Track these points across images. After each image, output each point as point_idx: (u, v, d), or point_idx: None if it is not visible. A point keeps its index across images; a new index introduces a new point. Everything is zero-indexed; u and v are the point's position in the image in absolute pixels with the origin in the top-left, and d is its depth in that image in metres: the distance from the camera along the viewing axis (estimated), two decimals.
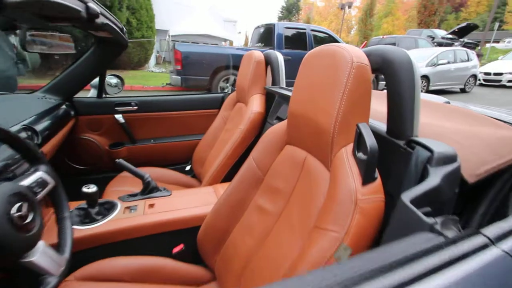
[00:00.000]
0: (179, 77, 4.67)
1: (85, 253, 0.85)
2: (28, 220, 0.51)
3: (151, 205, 0.98)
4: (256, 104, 1.24)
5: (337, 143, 0.57)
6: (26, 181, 0.58)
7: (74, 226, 0.85)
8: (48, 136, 1.06)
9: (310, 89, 0.66)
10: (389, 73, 0.59)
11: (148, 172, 1.41)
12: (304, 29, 5.67)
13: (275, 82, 1.33)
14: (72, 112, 1.36)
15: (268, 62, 1.34)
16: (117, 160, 1.00)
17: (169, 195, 1.05)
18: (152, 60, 11.13)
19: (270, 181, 0.81)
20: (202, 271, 0.89)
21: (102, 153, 1.51)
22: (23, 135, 0.89)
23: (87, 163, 1.50)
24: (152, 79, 7.20)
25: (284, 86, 1.32)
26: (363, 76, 0.55)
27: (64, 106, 1.30)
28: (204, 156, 1.49)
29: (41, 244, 0.55)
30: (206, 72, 4.73)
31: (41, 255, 0.54)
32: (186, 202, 1.01)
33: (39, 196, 0.60)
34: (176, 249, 0.92)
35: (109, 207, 0.96)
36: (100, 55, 1.28)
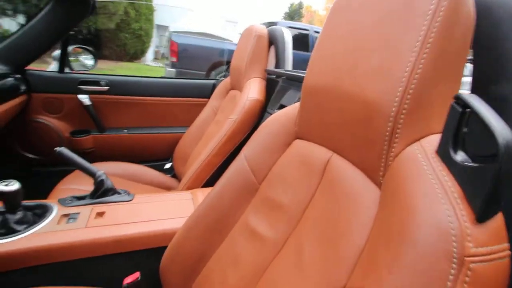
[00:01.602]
0: (174, 69, 4.40)
1: None
2: None
3: (100, 214, 0.71)
4: (253, 90, 0.98)
5: (403, 134, 0.31)
6: None
7: None
8: None
9: (346, 47, 0.40)
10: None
11: (115, 167, 1.13)
12: (308, 30, 5.46)
13: (279, 65, 1.08)
14: (23, 87, 1.08)
15: (272, 40, 1.08)
16: (56, 148, 0.73)
17: (129, 201, 0.78)
18: (150, 55, 10.85)
19: (268, 192, 0.55)
20: None
21: (61, 141, 1.22)
22: None
23: (42, 152, 1.21)
24: (147, 73, 6.92)
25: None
26: (461, 10, 0.29)
27: (10, 78, 1.01)
28: (188, 153, 1.22)
29: None
30: (203, 66, 4.46)
31: None
32: (151, 212, 0.74)
33: None
34: (128, 279, 0.64)
35: (40, 213, 0.68)
36: (59, 15, 1.00)
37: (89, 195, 0.77)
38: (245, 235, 0.55)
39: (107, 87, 1.25)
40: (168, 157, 1.41)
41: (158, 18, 9.67)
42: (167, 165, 1.36)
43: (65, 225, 0.66)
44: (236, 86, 1.14)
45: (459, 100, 0.26)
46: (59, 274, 0.60)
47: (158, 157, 1.41)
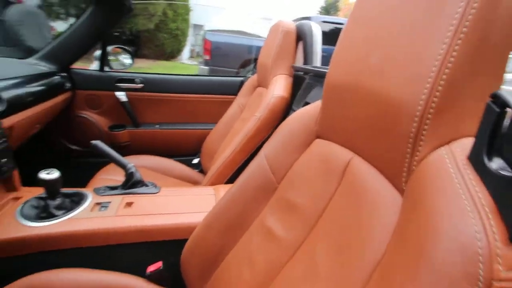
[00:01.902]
0: (207, 67, 4.52)
1: (33, 258, 0.63)
2: None
3: (129, 204, 0.75)
4: (279, 87, 0.96)
5: (430, 136, 0.28)
6: None
7: (25, 222, 0.64)
8: (25, 106, 0.88)
9: (370, 41, 0.37)
10: None
11: (147, 161, 1.20)
12: (343, 24, 5.23)
13: (307, 61, 1.04)
14: (68, 85, 1.18)
15: (301, 35, 1.05)
16: (92, 141, 0.78)
17: (156, 193, 0.81)
18: (186, 54, 11.27)
19: (286, 192, 0.53)
20: None
21: (101, 135, 1.32)
22: None
23: (83, 144, 1.32)
24: (182, 70, 7.20)
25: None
26: None
27: (57, 76, 1.12)
28: (214, 149, 1.24)
29: None
30: (234, 64, 4.51)
31: None
32: (175, 205, 0.77)
33: None
34: (151, 268, 0.68)
35: (77, 200, 0.74)
36: (98, 17, 1.08)
37: (120, 186, 0.82)
38: (261, 235, 0.54)
39: (141, 85, 1.32)
40: (196, 153, 1.45)
41: (194, 17, 10.00)
42: (195, 160, 1.40)
43: (97, 212, 0.71)
44: (263, 83, 1.13)
45: (496, 98, 0.22)
46: (88, 258, 0.64)
47: (187, 152, 1.46)
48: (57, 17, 5.89)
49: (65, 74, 1.17)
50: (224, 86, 1.47)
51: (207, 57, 4.44)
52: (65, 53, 1.13)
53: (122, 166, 0.81)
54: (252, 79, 1.29)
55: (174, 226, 0.70)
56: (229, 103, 1.37)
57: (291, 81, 1.02)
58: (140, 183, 0.82)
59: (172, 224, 0.71)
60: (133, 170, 0.81)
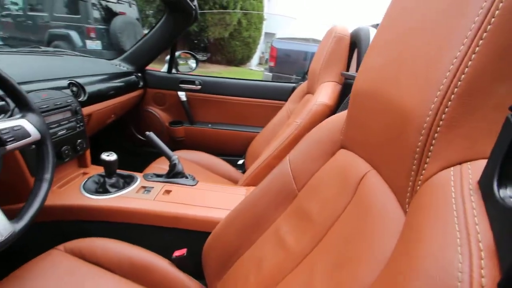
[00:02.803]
0: (271, 74, 4.63)
1: (83, 225, 0.76)
2: None
3: (167, 192, 0.83)
4: (324, 94, 0.92)
5: (439, 153, 0.24)
6: None
7: (85, 193, 0.78)
8: (104, 98, 1.06)
9: (390, 41, 0.34)
10: None
11: (195, 156, 1.29)
12: None
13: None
14: (141, 83, 1.38)
15: (356, 41, 0.99)
16: (147, 132, 0.89)
17: (193, 185, 0.87)
18: (255, 60, 11.76)
19: (303, 201, 0.52)
20: None
21: (162, 129, 1.49)
22: (69, 88, 0.88)
23: None
24: (248, 76, 7.54)
25: None
26: None
27: (133, 76, 1.31)
28: (258, 152, 1.26)
29: None
30: (298, 70, 4.51)
31: None
32: (207, 199, 0.81)
33: (10, 146, 0.50)
34: (177, 253, 0.73)
35: (128, 181, 0.86)
36: (169, 26, 1.23)
37: (165, 175, 0.91)
38: (274, 241, 0.54)
39: (199, 86, 1.44)
40: (243, 154, 1.50)
41: (268, 26, 10.38)
42: (240, 161, 1.45)
43: (141, 194, 0.80)
44: (311, 89, 1.11)
45: None
46: (126, 233, 0.73)
47: (234, 152, 1.52)
48: (150, 26, 6.92)
49: (140, 74, 1.37)
50: (276, 91, 1.49)
51: (272, 64, 4.55)
52: (141, 57, 1.33)
53: (168, 157, 0.90)
54: (303, 85, 1.27)
55: (201, 218, 0.75)
56: (278, 108, 1.38)
57: (339, 88, 0.97)
58: (180, 174, 0.90)
59: (200, 216, 0.75)
60: (176, 162, 0.90)
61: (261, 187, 0.64)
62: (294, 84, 1.46)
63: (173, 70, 1.49)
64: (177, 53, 1.45)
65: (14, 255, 0.64)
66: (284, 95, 1.46)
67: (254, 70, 9.99)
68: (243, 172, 1.41)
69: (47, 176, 0.57)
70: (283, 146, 0.91)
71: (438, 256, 0.18)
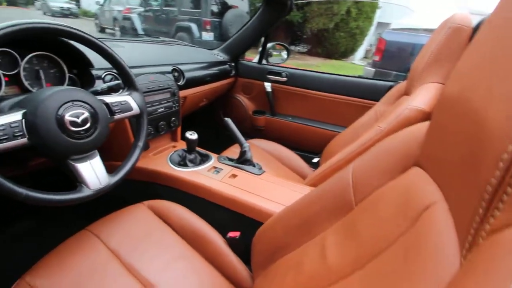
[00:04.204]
0: (373, 69, 4.17)
1: (161, 188, 0.89)
2: (82, 128, 0.54)
3: (233, 176, 0.88)
4: (421, 97, 0.77)
5: None
6: (110, 99, 0.63)
7: (169, 163, 0.92)
8: (199, 83, 1.20)
9: (497, 42, 0.24)
10: None
11: (270, 146, 1.32)
12: None
13: None
14: (233, 72, 1.49)
15: None
16: (226, 118, 0.96)
17: (258, 175, 0.90)
18: (360, 53, 10.81)
19: (357, 218, 0.46)
20: (246, 276, 0.71)
21: (246, 116, 1.58)
22: (172, 73, 1.04)
23: (233, 121, 1.64)
24: (348, 71, 7.04)
25: None
26: None
27: (227, 65, 1.43)
28: (335, 153, 1.18)
29: (94, 157, 0.59)
30: (406, 67, 3.90)
31: (86, 166, 0.57)
32: (268, 190, 0.82)
33: (117, 116, 0.64)
34: (231, 234, 0.78)
35: (204, 160, 0.96)
36: (264, 18, 1.26)
37: (235, 160, 0.97)
38: (317, 250, 0.50)
39: (286, 78, 1.44)
40: (319, 152, 1.44)
41: (381, 15, 9.29)
42: (315, 159, 1.39)
43: (211, 174, 0.89)
44: (409, 90, 0.94)
45: None
46: (192, 203, 0.81)
47: (311, 149, 1.48)
48: None
49: (233, 63, 1.48)
50: (368, 89, 1.33)
51: (377, 58, 4.08)
52: (237, 47, 1.42)
53: (240, 144, 0.95)
54: (401, 85, 1.09)
55: (256, 207, 0.77)
56: (367, 109, 1.24)
57: None
58: (248, 162, 0.94)
59: (256, 204, 0.77)
60: (246, 149, 0.94)
61: (318, 191, 0.60)
62: (391, 83, 1.28)
63: (264, 61, 1.54)
64: (270, 44, 1.48)
65: (111, 202, 0.82)
66: (377, 95, 1.29)
67: (357, 64, 9.21)
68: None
69: (140, 143, 0.70)
70: (357, 152, 0.82)
71: None
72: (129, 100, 0.67)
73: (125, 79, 0.69)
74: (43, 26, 0.52)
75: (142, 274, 0.61)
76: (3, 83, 0.59)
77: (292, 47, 8.95)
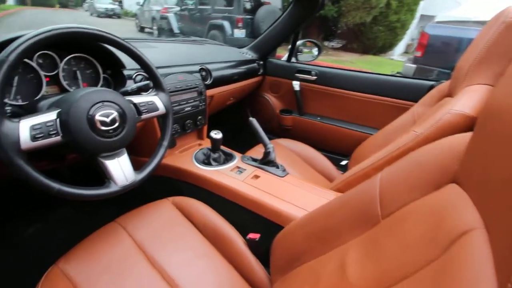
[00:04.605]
0: (414, 66, 3.88)
1: (185, 185, 0.92)
2: (110, 127, 0.56)
3: (256, 177, 0.87)
4: (466, 100, 0.69)
5: None
6: (137, 99, 0.65)
7: (194, 161, 0.93)
8: (226, 82, 1.20)
9: None
10: None
11: (297, 146, 1.29)
12: None
13: None
14: (261, 71, 1.47)
15: None
16: (250, 118, 0.95)
17: (281, 177, 0.88)
18: (400, 48, 10.13)
19: (382, 233, 0.43)
20: (264, 278, 0.70)
21: (273, 115, 1.56)
22: (200, 72, 1.06)
23: (261, 120, 1.62)
24: (386, 67, 6.63)
25: None
26: None
27: (255, 63, 1.42)
28: (365, 157, 1.12)
29: (122, 154, 0.62)
30: (451, 64, 3.56)
31: (114, 163, 0.60)
32: (290, 193, 0.80)
33: (144, 116, 0.66)
34: (251, 235, 0.77)
35: (228, 159, 0.97)
36: (294, 15, 1.22)
37: (259, 160, 0.96)
38: (336, 264, 0.48)
39: (315, 77, 1.39)
40: (348, 154, 1.37)
41: (425, 7, 8.60)
42: (344, 162, 1.33)
43: (234, 173, 0.89)
44: (453, 91, 0.85)
45: None
46: (213, 201, 0.82)
47: (339, 151, 1.41)
48: None
49: (261, 62, 1.46)
50: (406, 89, 1.24)
51: (419, 54, 3.78)
52: (265, 46, 1.41)
53: (264, 144, 0.94)
54: (444, 85, 0.99)
55: (277, 210, 0.75)
56: (404, 110, 1.15)
57: None
58: (272, 163, 0.93)
59: (277, 208, 0.75)
60: (270, 150, 0.92)
61: (342, 199, 0.57)
62: (432, 83, 1.17)
63: (293, 59, 1.50)
64: (300, 42, 1.44)
65: (138, 195, 0.85)
66: (415, 95, 1.19)
67: (396, 60, 8.65)
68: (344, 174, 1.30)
69: (165, 142, 0.72)
70: (388, 158, 0.76)
71: None
72: (155, 101, 0.69)
73: (152, 80, 0.71)
74: (78, 31, 0.55)
75: (164, 268, 0.63)
76: (44, 83, 0.64)
77: (326, 43, 8.67)
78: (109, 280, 0.58)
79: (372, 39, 8.08)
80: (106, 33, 0.59)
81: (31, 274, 0.64)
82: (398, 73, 4.95)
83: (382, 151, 0.81)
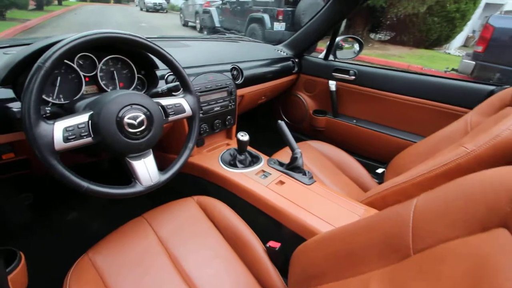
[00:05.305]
0: (473, 62, 3.45)
1: (209, 185, 0.93)
2: (138, 130, 0.58)
3: (281, 182, 0.84)
4: None
5: None
6: (165, 101, 0.66)
7: (220, 162, 0.93)
8: (258, 81, 1.18)
9: None
10: None
11: (330, 150, 1.22)
12: None
13: None
14: (296, 69, 1.41)
15: None
16: (279, 121, 0.92)
17: (307, 185, 0.84)
18: (458, 41, 9.08)
19: (411, 273, 0.38)
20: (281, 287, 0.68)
21: (305, 115, 1.50)
22: (231, 72, 1.05)
23: (293, 120, 1.57)
24: (439, 62, 6.01)
25: None
26: None
27: (290, 61, 1.37)
28: (405, 167, 1.02)
29: (148, 155, 0.63)
30: None
31: (140, 164, 0.62)
32: (315, 205, 0.76)
33: (171, 118, 0.67)
34: (271, 243, 0.75)
35: (254, 161, 0.95)
36: (334, 10, 1.14)
37: (285, 165, 0.93)
38: None
39: (353, 77, 1.30)
40: (385, 162, 1.27)
41: None
42: (380, 170, 1.23)
43: (258, 177, 0.87)
44: None
45: None
46: (236, 203, 0.82)
47: (375, 157, 1.31)
48: None
49: (297, 60, 1.40)
50: (461, 94, 1.09)
51: (479, 49, 3.34)
52: (302, 43, 1.34)
53: (291, 149, 0.90)
54: (506, 92, 0.85)
55: (300, 222, 0.72)
56: (455, 117, 1.02)
57: None
58: (298, 169, 0.89)
59: (300, 219, 0.72)
60: (297, 156, 0.88)
61: (371, 220, 0.52)
62: (493, 87, 1.01)
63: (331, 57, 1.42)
64: (339, 38, 1.35)
65: (163, 191, 0.88)
66: (470, 101, 1.05)
67: (452, 54, 7.77)
68: (380, 183, 1.20)
69: (190, 144, 0.73)
70: (432, 176, 0.68)
71: None
72: (183, 103, 0.69)
73: (181, 82, 0.71)
74: (114, 36, 0.57)
75: (184, 267, 0.64)
76: (84, 83, 0.68)
77: (372, 35, 8.12)
78: (132, 275, 0.61)
79: (425, 31, 7.35)
80: (136, 36, 0.61)
81: (65, 259, 0.69)
82: (453, 69, 4.44)
83: (425, 165, 0.72)
